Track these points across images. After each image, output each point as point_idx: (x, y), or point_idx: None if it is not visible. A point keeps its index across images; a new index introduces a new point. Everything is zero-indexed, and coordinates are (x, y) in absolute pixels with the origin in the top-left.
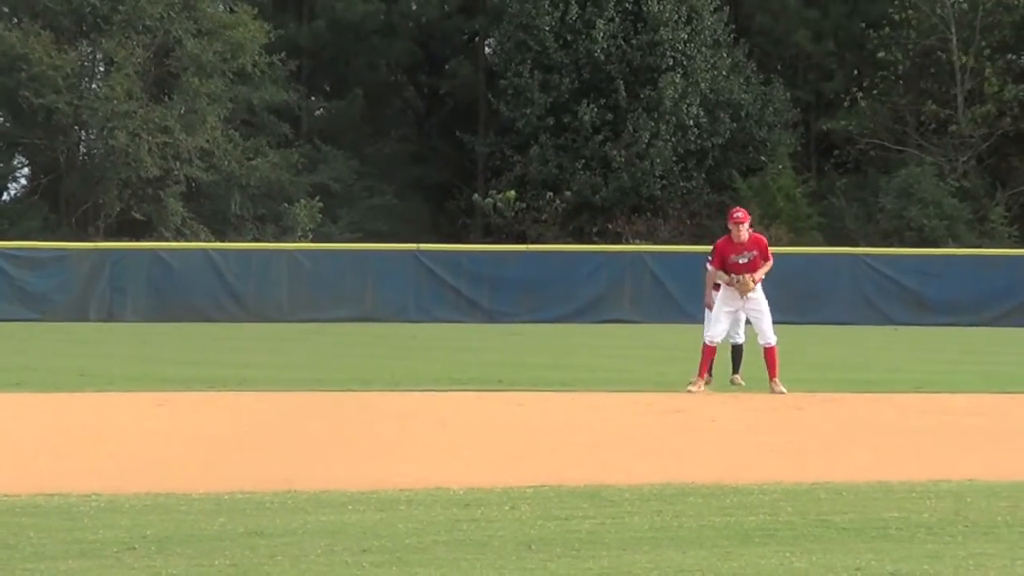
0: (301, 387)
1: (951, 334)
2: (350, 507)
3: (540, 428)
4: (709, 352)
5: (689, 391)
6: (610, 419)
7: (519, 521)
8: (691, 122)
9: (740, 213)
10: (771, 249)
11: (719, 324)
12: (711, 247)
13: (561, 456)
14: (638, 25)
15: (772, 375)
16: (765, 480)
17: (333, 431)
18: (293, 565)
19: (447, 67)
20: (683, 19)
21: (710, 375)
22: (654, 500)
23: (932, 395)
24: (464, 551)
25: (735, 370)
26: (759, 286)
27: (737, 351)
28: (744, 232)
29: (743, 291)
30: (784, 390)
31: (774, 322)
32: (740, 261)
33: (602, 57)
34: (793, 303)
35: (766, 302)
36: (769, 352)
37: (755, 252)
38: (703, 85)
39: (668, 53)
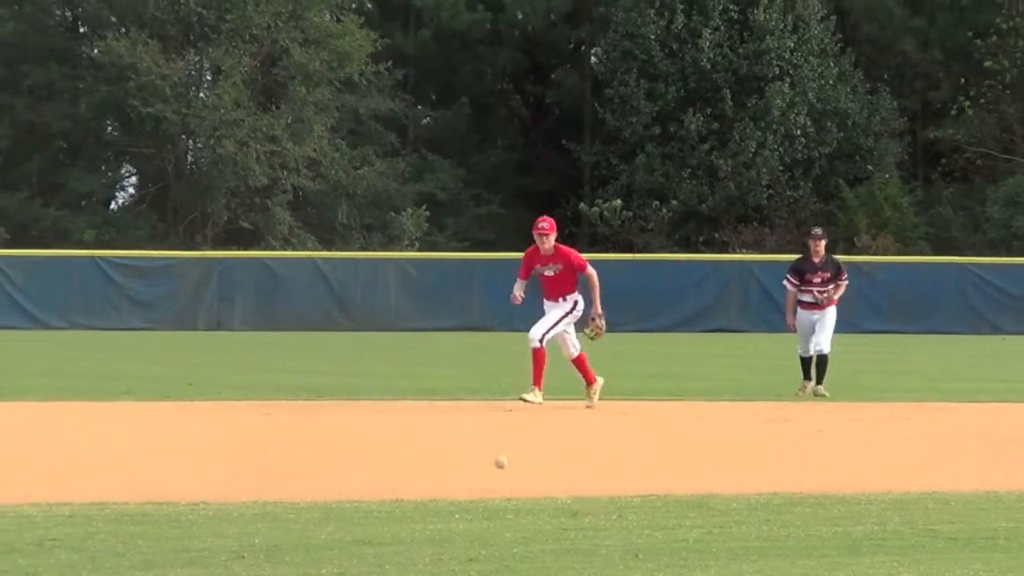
0: (408, 396)
1: None
2: (457, 516)
3: (646, 437)
4: (537, 355)
5: (523, 399)
6: (717, 428)
7: (626, 530)
8: (798, 131)
9: (545, 223)
10: (878, 259)
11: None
12: (792, 262)
13: (668, 465)
14: (744, 34)
15: (589, 383)
16: (873, 490)
17: (439, 440)
18: (400, 574)
19: (553, 76)
20: (789, 28)
21: (809, 379)
22: (762, 510)
23: None
24: (571, 560)
25: (818, 381)
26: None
27: (820, 361)
28: (549, 243)
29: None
30: (592, 405)
31: (885, 331)
32: (546, 273)
33: (708, 66)
34: (900, 312)
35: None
36: (579, 360)
37: (560, 266)
38: (810, 94)
39: (775, 62)
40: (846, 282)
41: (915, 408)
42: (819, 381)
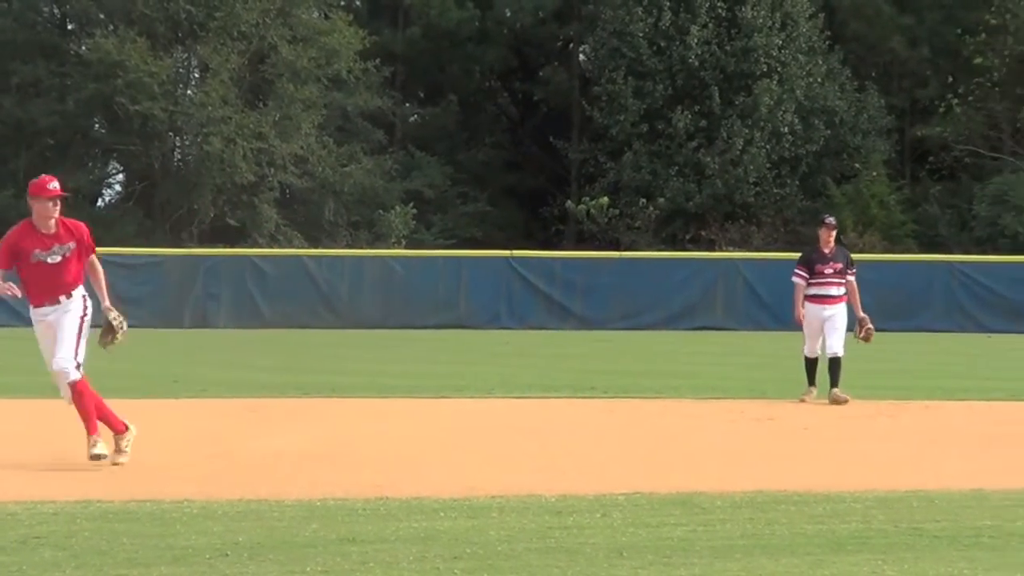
0: (394, 394)
1: None
2: (442, 514)
3: (632, 435)
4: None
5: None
6: (702, 426)
7: (611, 528)
8: (786, 129)
9: (56, 183)
10: (865, 256)
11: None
12: (800, 255)
13: (653, 463)
14: (732, 31)
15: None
16: (857, 488)
17: (425, 438)
18: (385, 572)
19: (541, 74)
20: (777, 25)
21: (814, 385)
22: (746, 508)
23: None
24: (555, 558)
25: (834, 384)
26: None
27: (834, 364)
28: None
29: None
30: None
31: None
32: (49, 260)
33: (696, 63)
34: (887, 310)
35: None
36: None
37: (72, 245)
38: (798, 92)
39: (762, 60)
40: (853, 277)
41: (901, 406)
42: (835, 384)
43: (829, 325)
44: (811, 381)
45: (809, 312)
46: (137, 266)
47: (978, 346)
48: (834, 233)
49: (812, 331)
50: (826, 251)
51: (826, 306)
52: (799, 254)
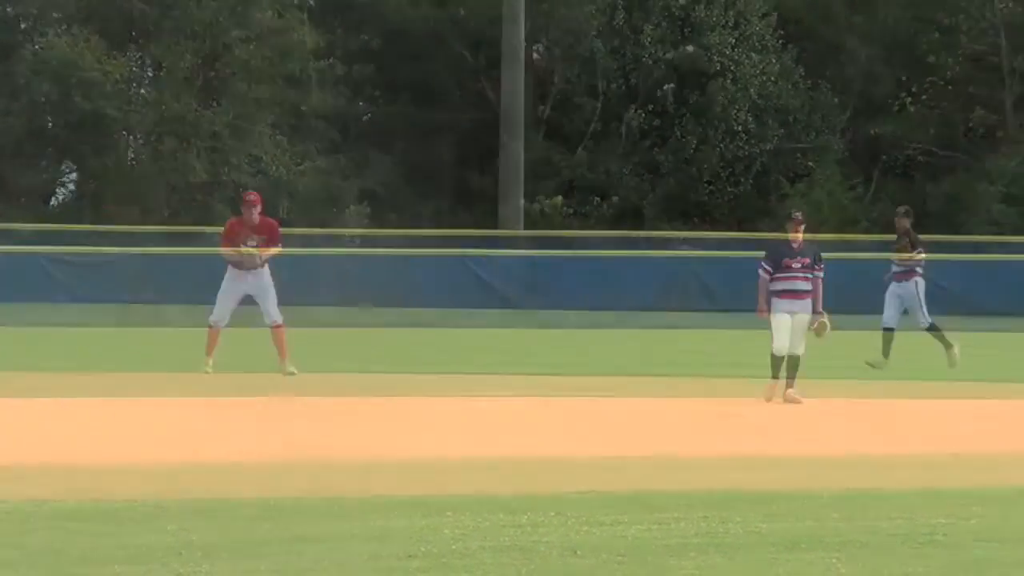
0: (348, 393)
1: (1001, 340)
2: (396, 513)
3: (586, 434)
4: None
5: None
6: (656, 425)
7: (565, 527)
8: (739, 128)
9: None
10: (822, 254)
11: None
12: (764, 252)
13: (608, 462)
14: (685, 30)
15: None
16: (812, 486)
17: (379, 437)
18: (338, 571)
19: (495, 72)
20: (731, 24)
21: (777, 378)
22: (701, 506)
23: (981, 401)
24: (510, 557)
25: (789, 384)
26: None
27: (793, 362)
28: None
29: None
30: None
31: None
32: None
33: (650, 62)
34: (841, 308)
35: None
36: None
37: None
38: (751, 91)
39: (715, 58)
40: (821, 274)
41: (855, 404)
42: (790, 385)
43: (796, 322)
44: (775, 375)
45: (777, 308)
46: (90, 265)
47: (933, 344)
48: (802, 228)
49: (781, 326)
50: (794, 246)
51: (795, 301)
52: (759, 252)
